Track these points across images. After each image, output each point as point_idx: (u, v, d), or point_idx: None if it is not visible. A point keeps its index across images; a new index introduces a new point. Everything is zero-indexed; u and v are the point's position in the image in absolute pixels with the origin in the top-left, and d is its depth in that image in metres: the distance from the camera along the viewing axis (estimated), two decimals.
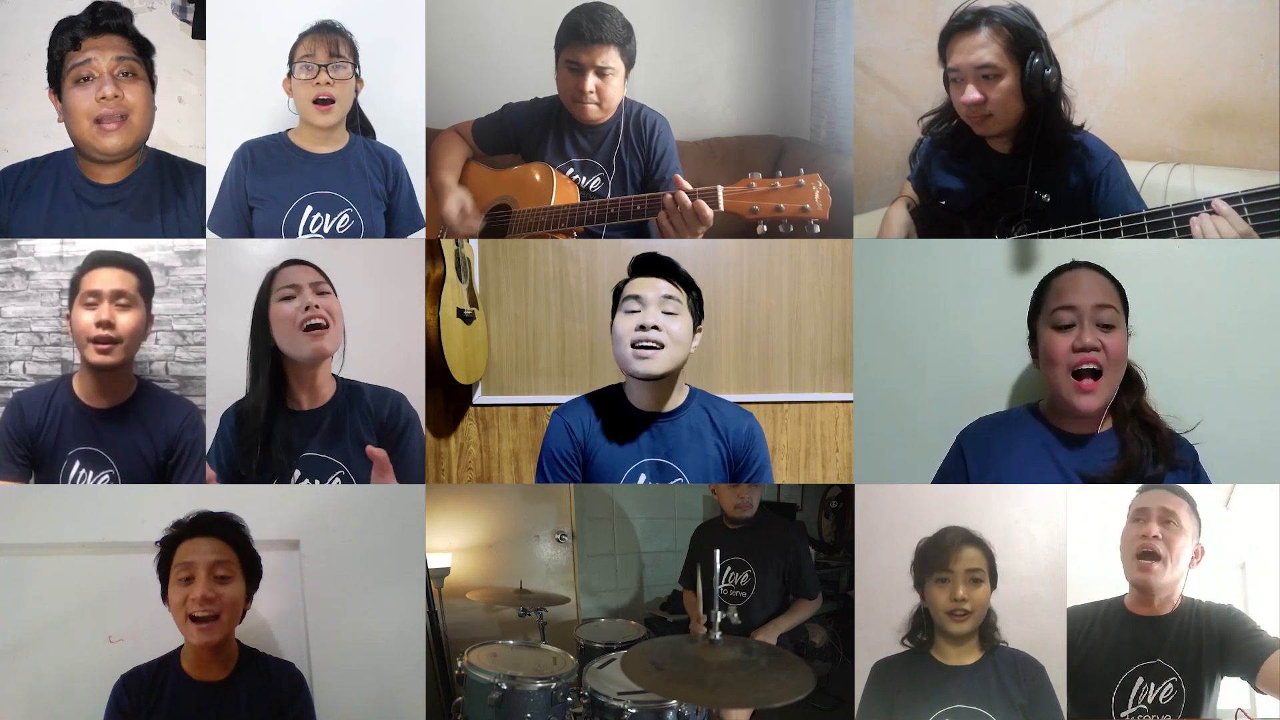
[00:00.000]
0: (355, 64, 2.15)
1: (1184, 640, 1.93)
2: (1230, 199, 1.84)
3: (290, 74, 2.13)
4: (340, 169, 2.17)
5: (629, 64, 2.33)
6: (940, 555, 1.97)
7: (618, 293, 1.96)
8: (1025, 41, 1.97)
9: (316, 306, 1.93)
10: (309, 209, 2.14)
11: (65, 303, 2.10)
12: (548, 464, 1.98)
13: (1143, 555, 1.92)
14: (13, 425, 2.08)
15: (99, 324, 2.01)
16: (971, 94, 2.00)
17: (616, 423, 1.99)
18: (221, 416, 2.03)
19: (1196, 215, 1.86)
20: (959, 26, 2.00)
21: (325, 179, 2.16)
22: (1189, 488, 1.94)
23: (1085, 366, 1.85)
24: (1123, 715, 1.94)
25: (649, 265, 1.94)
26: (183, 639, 1.85)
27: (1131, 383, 1.92)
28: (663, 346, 1.88)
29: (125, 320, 2.04)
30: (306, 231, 2.14)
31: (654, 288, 1.91)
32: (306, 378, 1.98)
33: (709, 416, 2.00)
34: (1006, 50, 1.97)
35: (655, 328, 1.87)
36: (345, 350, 2.04)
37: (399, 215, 2.21)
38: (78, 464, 2.07)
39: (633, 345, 1.88)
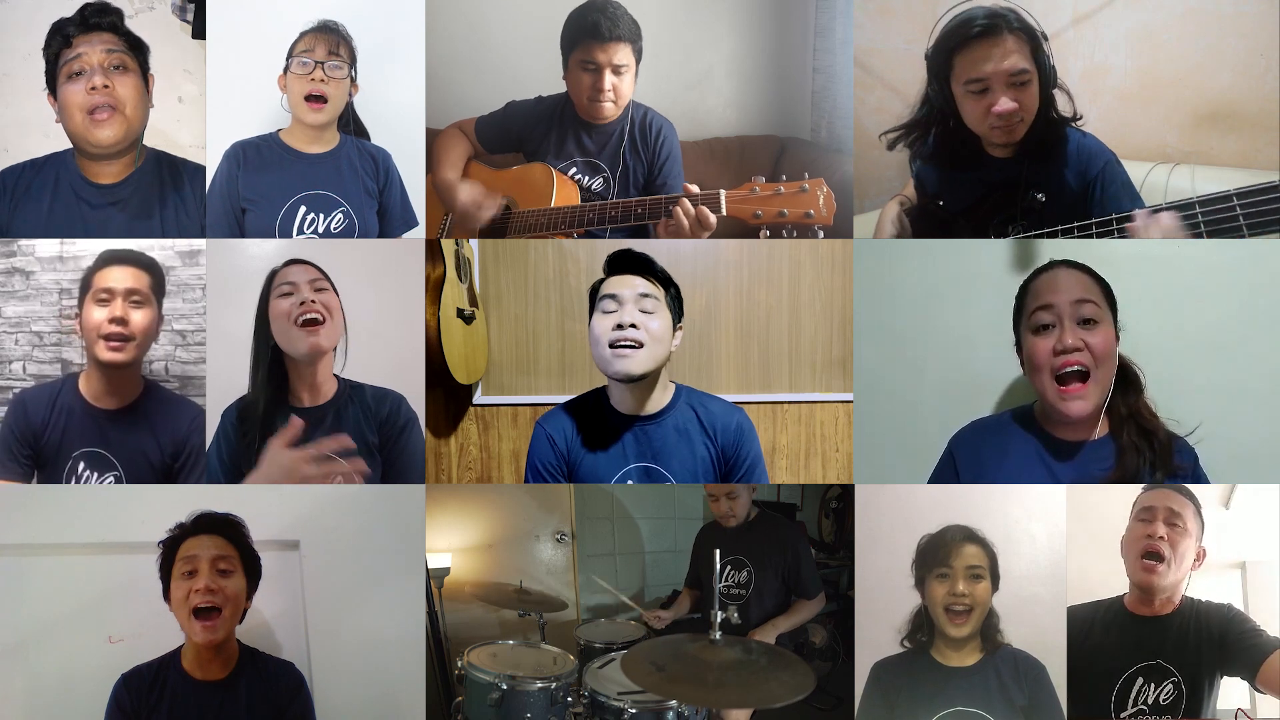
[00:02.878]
0: (352, 67, 2.15)
1: (1184, 640, 1.92)
2: (1181, 206, 1.83)
3: (286, 69, 2.12)
4: (332, 168, 2.16)
5: (638, 60, 2.33)
6: (941, 551, 1.96)
7: (594, 293, 1.92)
8: (1037, 42, 1.93)
9: (312, 302, 1.93)
10: (303, 209, 2.14)
11: (74, 301, 2.10)
12: (533, 476, 1.96)
13: (1147, 556, 1.90)
14: (16, 424, 2.07)
15: (112, 320, 2.00)
16: (1008, 104, 1.91)
17: (597, 429, 1.95)
18: (223, 414, 2.03)
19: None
20: (976, 34, 1.91)
21: (317, 179, 2.15)
22: (1194, 488, 1.93)
23: (1069, 369, 1.80)
24: (1122, 716, 1.93)
25: (624, 263, 1.90)
26: (183, 639, 1.85)
27: (1129, 383, 1.88)
28: (642, 345, 1.83)
29: (138, 318, 2.03)
30: (301, 232, 2.14)
31: (630, 285, 1.86)
32: (306, 375, 1.98)
33: (696, 415, 1.96)
34: (1031, 52, 1.91)
35: (633, 326, 1.83)
36: (348, 350, 2.05)
37: (391, 214, 2.21)
38: (82, 465, 2.06)
39: (611, 345, 1.84)
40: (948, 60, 1.97)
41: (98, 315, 2.01)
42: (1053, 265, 1.89)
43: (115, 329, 2.01)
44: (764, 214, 2.07)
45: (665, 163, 2.38)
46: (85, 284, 2.05)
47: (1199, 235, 1.83)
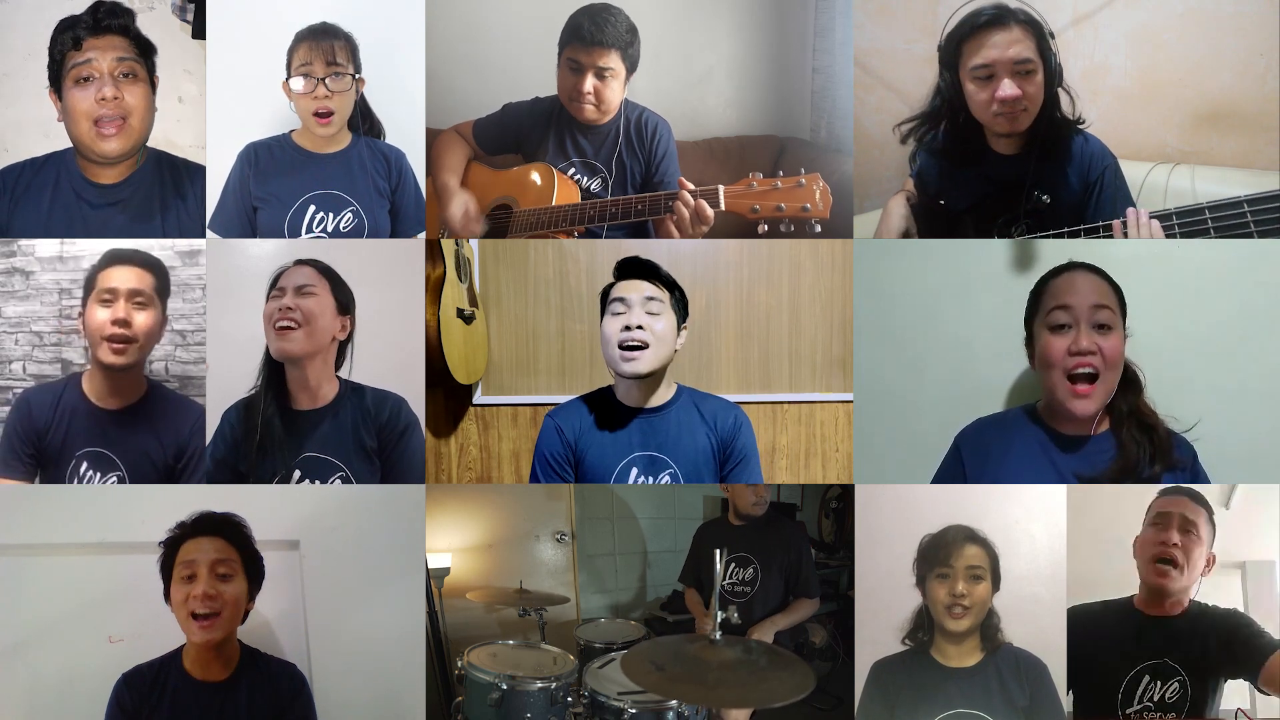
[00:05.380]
0: (355, 67, 2.14)
1: (1190, 641, 1.94)
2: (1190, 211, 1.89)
3: (288, 78, 2.12)
4: (343, 168, 2.17)
5: (631, 68, 2.32)
6: (942, 551, 1.97)
7: (605, 296, 1.99)
8: (1043, 37, 1.98)
9: (290, 309, 1.94)
10: (312, 208, 2.14)
11: (74, 301, 2.09)
12: (540, 466, 2.01)
13: (1161, 562, 1.92)
14: (20, 424, 2.07)
15: (115, 322, 2.00)
16: (1011, 89, 1.97)
17: (606, 420, 2.02)
18: (224, 413, 2.03)
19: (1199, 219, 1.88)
20: (983, 23, 1.98)
21: (328, 178, 2.16)
22: (1202, 491, 1.94)
23: (1081, 370, 1.85)
24: (1128, 712, 1.94)
25: (632, 268, 1.98)
26: (184, 639, 1.85)
27: (1129, 383, 1.92)
28: (647, 345, 1.92)
29: (141, 320, 2.03)
30: (310, 231, 2.14)
31: (637, 289, 1.95)
32: (296, 378, 1.99)
33: (697, 410, 2.02)
34: (1036, 45, 1.97)
35: (640, 327, 1.92)
36: (352, 353, 2.05)
37: (404, 214, 2.21)
38: (85, 465, 2.06)
39: (619, 346, 1.93)
40: (957, 49, 2.03)
41: (101, 316, 2.00)
42: (1071, 267, 1.94)
43: (118, 330, 2.00)
44: (761, 208, 2.08)
45: (662, 161, 2.38)
46: (89, 283, 2.04)
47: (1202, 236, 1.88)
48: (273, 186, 2.15)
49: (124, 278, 2.02)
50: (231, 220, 2.15)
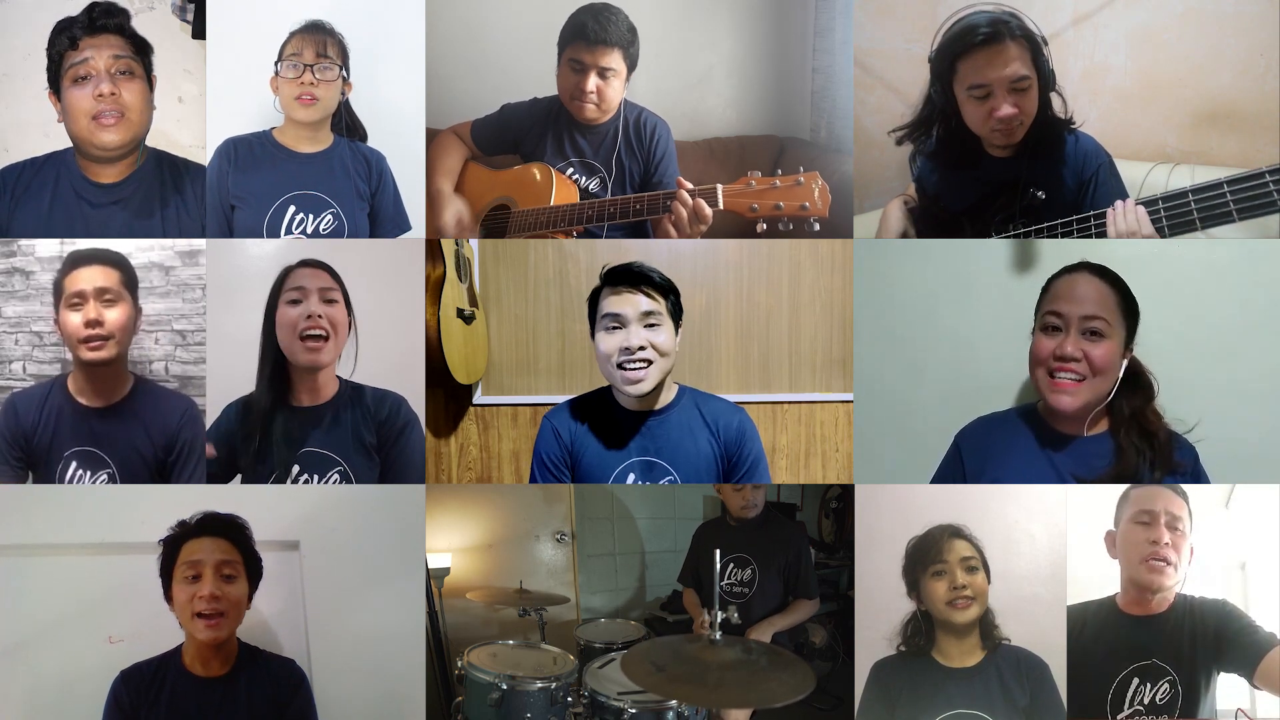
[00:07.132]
0: (344, 66, 2.13)
1: (1178, 638, 1.92)
2: (1174, 196, 1.89)
3: (277, 72, 2.11)
4: (324, 169, 2.15)
5: (631, 67, 2.33)
6: (932, 550, 1.96)
7: (594, 302, 1.94)
8: (1036, 46, 1.97)
9: (319, 317, 1.93)
10: (291, 208, 2.13)
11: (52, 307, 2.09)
12: (537, 467, 2.00)
13: (1155, 561, 1.90)
14: (7, 426, 2.07)
15: (87, 323, 1.99)
16: (1009, 109, 1.96)
17: (604, 424, 1.98)
18: (225, 408, 2.03)
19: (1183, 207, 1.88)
20: (980, 41, 1.95)
21: (308, 179, 2.14)
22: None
23: (1063, 375, 1.83)
24: (1119, 717, 1.94)
25: (623, 277, 1.90)
26: (183, 638, 1.85)
27: (1140, 387, 1.89)
28: (651, 363, 1.87)
29: (113, 316, 2.02)
30: (289, 232, 2.13)
31: (633, 304, 1.87)
32: (307, 380, 2.00)
33: (700, 413, 1.99)
34: (1032, 59, 1.96)
35: (641, 348, 1.86)
36: (357, 354, 2.04)
37: (382, 217, 2.19)
38: (75, 465, 2.06)
39: (620, 366, 1.87)
40: (951, 65, 2.01)
41: (74, 320, 1.99)
42: (1078, 269, 1.90)
43: (91, 331, 1.99)
44: (760, 207, 2.08)
45: (661, 161, 2.38)
46: (57, 289, 2.03)
47: (1191, 226, 1.87)
48: (252, 185, 2.13)
49: (90, 278, 2.00)
50: (209, 217, 2.13)
